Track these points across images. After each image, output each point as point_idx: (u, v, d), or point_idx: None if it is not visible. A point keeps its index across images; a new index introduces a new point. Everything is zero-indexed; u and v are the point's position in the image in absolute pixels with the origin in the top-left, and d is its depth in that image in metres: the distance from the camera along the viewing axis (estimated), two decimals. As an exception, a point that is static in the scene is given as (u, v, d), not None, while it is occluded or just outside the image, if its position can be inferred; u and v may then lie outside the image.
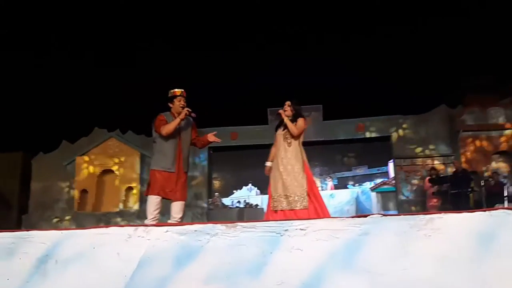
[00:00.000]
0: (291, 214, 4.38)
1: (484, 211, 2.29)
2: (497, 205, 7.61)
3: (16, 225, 12.36)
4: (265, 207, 5.54)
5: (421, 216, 2.36)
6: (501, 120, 11.28)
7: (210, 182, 13.55)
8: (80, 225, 11.60)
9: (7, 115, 13.97)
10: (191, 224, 2.72)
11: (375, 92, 14.05)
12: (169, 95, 4.60)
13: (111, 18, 14.48)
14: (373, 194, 14.49)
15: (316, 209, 4.47)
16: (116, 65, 14.90)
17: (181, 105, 4.51)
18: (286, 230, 2.48)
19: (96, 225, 6.72)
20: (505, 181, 9.47)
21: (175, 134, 4.47)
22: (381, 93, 14.05)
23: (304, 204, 4.44)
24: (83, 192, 12.50)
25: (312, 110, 12.45)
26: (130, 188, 12.49)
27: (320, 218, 2.99)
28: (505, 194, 8.56)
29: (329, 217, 3.95)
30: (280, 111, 4.74)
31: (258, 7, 14.53)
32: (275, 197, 4.56)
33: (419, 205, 11.44)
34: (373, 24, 14.74)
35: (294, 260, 2.36)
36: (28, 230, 3.04)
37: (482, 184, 9.42)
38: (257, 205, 13.05)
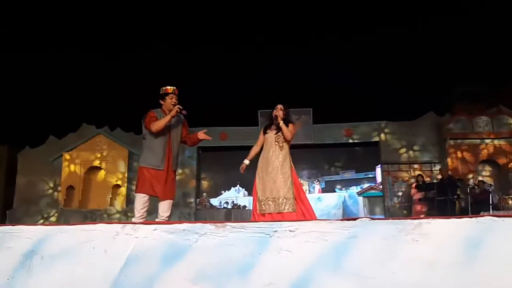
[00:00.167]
0: (278, 217, 4.36)
1: (471, 217, 2.31)
2: (482, 212, 7.70)
3: (0, 220, 12.17)
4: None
5: (409, 221, 2.38)
6: (487, 129, 11.45)
7: (199, 182, 13.51)
8: (66, 222, 11.48)
9: (-7, 108, 13.76)
10: (180, 223, 2.70)
11: (365, 98, 14.15)
12: (161, 92, 4.56)
13: (100, 14, 14.38)
14: (360, 198, 14.60)
15: (303, 213, 4.46)
16: (107, 61, 14.78)
17: (172, 103, 4.48)
18: (275, 231, 2.48)
19: (84, 222, 6.67)
20: (490, 189, 9.60)
21: (165, 131, 4.43)
22: (371, 98, 14.16)
23: (293, 207, 4.44)
24: (70, 188, 12.37)
25: (302, 113, 12.51)
26: (118, 186, 12.39)
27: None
28: (491, 202, 8.66)
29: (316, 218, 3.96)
30: (277, 113, 4.69)
31: (249, 9, 14.55)
32: (263, 200, 4.51)
33: (406, 210, 11.56)
34: (365, 30, 14.85)
35: (283, 261, 2.36)
36: (13, 225, 3.00)
37: (468, 191, 9.55)
38: (245, 206, 13.05)
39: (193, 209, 12.37)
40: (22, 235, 2.86)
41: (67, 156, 12.51)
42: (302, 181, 15.70)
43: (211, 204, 13.64)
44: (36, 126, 13.83)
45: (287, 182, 4.53)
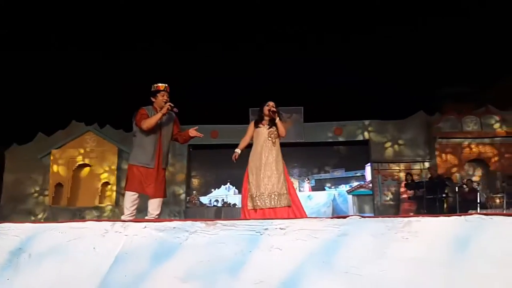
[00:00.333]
0: (271, 213, 4.36)
1: (460, 215, 2.33)
2: (470, 211, 7.79)
3: (-13, 218, 12.03)
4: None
5: (399, 219, 2.39)
6: (476, 128, 11.57)
7: (189, 180, 13.46)
8: (54, 219, 11.37)
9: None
10: (170, 221, 2.69)
11: (355, 97, 14.23)
12: (152, 89, 4.53)
13: (90, 11, 14.25)
14: (350, 196, 14.69)
15: (293, 211, 4.48)
16: (96, 58, 14.66)
17: (164, 100, 4.45)
18: (266, 229, 2.48)
19: (72, 220, 6.60)
20: (478, 188, 9.71)
21: (156, 129, 4.40)
22: (362, 98, 14.25)
23: (288, 201, 4.45)
24: (58, 186, 12.25)
25: (293, 112, 12.54)
26: (107, 184, 12.30)
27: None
28: (478, 200, 8.76)
29: (306, 216, 3.97)
30: (274, 110, 4.66)
31: (240, 8, 14.53)
32: (257, 195, 4.48)
33: (395, 208, 11.64)
34: (358, 31, 14.91)
35: (273, 259, 2.36)
36: (1, 223, 2.96)
37: (457, 190, 9.64)
38: (235, 204, 13.05)
39: (183, 207, 12.33)
40: (10, 233, 2.82)
41: (55, 153, 12.38)
42: (292, 179, 15.73)
43: (201, 202, 13.63)
44: (24, 123, 13.68)
45: (280, 178, 4.54)
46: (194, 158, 13.66)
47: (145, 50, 15.04)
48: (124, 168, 12.00)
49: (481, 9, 12.91)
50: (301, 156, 15.59)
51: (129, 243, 2.61)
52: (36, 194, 12.54)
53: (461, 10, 13.21)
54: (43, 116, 13.79)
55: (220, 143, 12.87)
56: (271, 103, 4.72)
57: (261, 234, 2.47)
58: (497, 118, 11.59)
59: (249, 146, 4.87)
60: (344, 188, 15.56)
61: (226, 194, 15.12)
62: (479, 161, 11.59)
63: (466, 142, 11.55)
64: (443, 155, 11.50)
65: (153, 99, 4.51)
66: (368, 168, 13.74)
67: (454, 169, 11.33)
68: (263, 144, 4.63)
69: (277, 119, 4.64)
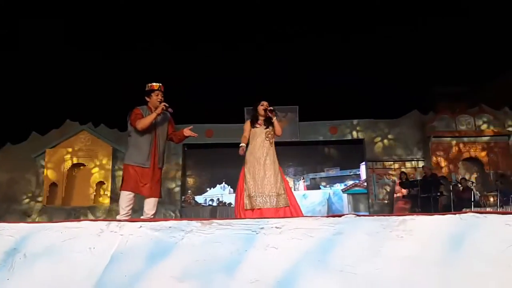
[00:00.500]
0: (268, 213, 4.35)
1: (455, 214, 2.35)
2: (464, 209, 7.84)
3: (-20, 218, 11.94)
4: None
5: (394, 218, 2.41)
6: (470, 127, 11.64)
7: (184, 179, 13.45)
8: (49, 219, 11.31)
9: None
10: (166, 220, 2.68)
11: (350, 96, 14.27)
12: (147, 88, 4.51)
13: (87, 11, 14.19)
14: (345, 195, 14.74)
15: (290, 211, 4.48)
16: (91, 57, 14.59)
17: (158, 100, 4.43)
18: (262, 228, 2.48)
19: (67, 219, 6.57)
20: (472, 186, 9.77)
21: (151, 128, 4.39)
22: (356, 97, 14.29)
23: (287, 202, 4.46)
24: (53, 185, 12.19)
25: (288, 111, 12.55)
26: (101, 183, 12.25)
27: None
28: (473, 199, 8.81)
29: (303, 215, 3.98)
30: (270, 108, 4.67)
31: (235, 9, 14.52)
32: (256, 195, 4.46)
33: (390, 207, 11.68)
34: (353, 31, 14.95)
35: (269, 258, 2.36)
36: (-5, 222, 2.94)
37: (451, 189, 9.70)
38: (230, 203, 13.05)
39: (178, 206, 12.31)
40: (4, 233, 2.80)
41: (50, 152, 12.31)
42: (287, 179, 15.76)
43: (196, 201, 13.62)
44: (18, 122, 13.60)
45: (278, 178, 4.55)
46: (189, 157, 13.66)
47: (140, 49, 15.01)
48: (119, 167, 11.97)
49: (476, 9, 12.99)
50: (296, 155, 15.64)
51: (124, 243, 2.60)
52: (30, 194, 12.47)
53: (456, 10, 13.29)
54: (37, 115, 13.73)
55: (215, 142, 12.87)
56: (265, 103, 4.73)
57: (257, 233, 2.48)
58: (491, 117, 11.66)
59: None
60: (339, 187, 15.62)
61: (221, 193, 15.14)
62: (473, 159, 11.67)
63: (460, 141, 11.62)
64: (437, 154, 11.56)
65: (147, 99, 4.50)
66: (362, 167, 13.79)
67: (448, 168, 11.40)
68: (261, 144, 4.62)
69: (274, 118, 4.65)
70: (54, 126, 13.03)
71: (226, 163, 14.94)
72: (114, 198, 11.79)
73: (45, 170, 12.23)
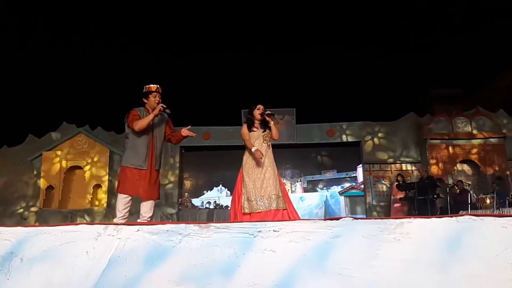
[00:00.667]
0: (266, 216, 4.35)
1: (451, 217, 2.36)
2: (461, 212, 7.86)
3: (-24, 221, 11.88)
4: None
5: (391, 220, 2.42)
6: (466, 129, 11.68)
7: (181, 182, 13.43)
8: (45, 222, 11.27)
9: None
10: (163, 224, 2.68)
11: (347, 98, 14.31)
12: (144, 90, 4.51)
13: (83, 12, 14.17)
14: (342, 198, 14.75)
15: (287, 214, 4.48)
16: (87, 59, 14.58)
17: (156, 101, 4.44)
18: (259, 231, 2.49)
19: (64, 223, 6.55)
20: (469, 188, 9.80)
21: (148, 130, 4.39)
22: (353, 99, 14.33)
23: (285, 204, 4.47)
24: (49, 188, 12.14)
25: (285, 113, 12.57)
26: (98, 186, 12.21)
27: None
28: (469, 201, 8.83)
29: (299, 218, 3.98)
30: (268, 112, 4.68)
31: (231, 9, 14.54)
32: (255, 199, 4.46)
33: (387, 209, 11.70)
34: (348, 33, 15.00)
35: (267, 261, 2.36)
36: (-9, 226, 2.94)
37: (448, 191, 9.72)
38: (227, 206, 13.03)
39: (176, 209, 12.29)
40: (1, 237, 2.80)
41: (46, 155, 12.27)
42: (285, 181, 15.83)
43: (193, 204, 13.60)
44: (15, 125, 13.55)
45: (277, 180, 4.56)
46: (187, 159, 13.63)
47: (137, 51, 15.00)
48: (116, 169, 11.94)
49: (472, 12, 13.08)
50: (293, 158, 15.66)
51: (122, 247, 2.59)
52: (26, 197, 12.42)
53: (448, 14, 13.37)
54: (33, 118, 13.68)
55: (212, 145, 12.86)
56: (261, 107, 4.74)
57: (254, 237, 2.48)
58: (487, 119, 11.71)
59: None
60: (336, 189, 15.64)
61: (219, 196, 15.13)
62: (470, 162, 11.70)
63: (456, 143, 11.66)
64: (434, 156, 11.59)
65: (145, 100, 4.50)
66: (359, 169, 13.82)
67: (445, 170, 11.42)
68: (259, 148, 4.61)
69: (272, 122, 4.66)
70: (51, 128, 12.98)
71: (223, 165, 14.97)
72: (111, 201, 11.76)
73: (41, 173, 12.19)
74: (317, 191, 16.29)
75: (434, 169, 11.34)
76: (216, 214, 11.93)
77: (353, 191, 14.59)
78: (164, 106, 4.38)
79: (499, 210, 7.86)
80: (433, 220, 2.36)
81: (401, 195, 10.63)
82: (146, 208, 4.39)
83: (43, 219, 11.59)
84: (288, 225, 2.52)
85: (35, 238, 2.75)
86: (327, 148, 14.33)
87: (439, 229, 2.30)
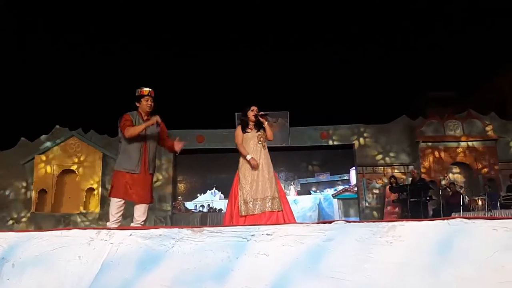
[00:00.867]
0: (261, 219, 4.34)
1: (443, 219, 2.38)
2: (453, 213, 7.91)
3: (-33, 226, 11.76)
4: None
5: (384, 223, 2.43)
6: (458, 132, 11.78)
7: (175, 185, 13.38)
8: (38, 227, 11.19)
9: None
10: (156, 228, 2.68)
11: (341, 101, 14.38)
12: (136, 94, 4.49)
13: (78, 15, 14.13)
14: (335, 200, 14.78)
15: (283, 216, 4.47)
16: (80, 62, 14.52)
17: (148, 105, 4.43)
18: (252, 235, 2.49)
19: (56, 227, 6.50)
20: (461, 190, 9.86)
21: (141, 134, 4.38)
22: (346, 102, 14.40)
23: (280, 206, 4.46)
24: (42, 192, 12.05)
25: (279, 116, 12.58)
26: (91, 189, 12.14)
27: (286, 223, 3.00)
28: (461, 203, 8.89)
29: (295, 222, 3.99)
30: (262, 113, 4.69)
31: (226, 12, 14.57)
32: (252, 200, 4.45)
33: (380, 212, 11.75)
34: (342, 38, 15.08)
35: (260, 265, 2.37)
36: (-17, 231, 2.91)
37: (440, 193, 9.78)
38: (220, 209, 13.02)
39: (169, 213, 12.24)
40: (-8, 242, 2.77)
41: (39, 159, 12.19)
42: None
43: (186, 207, 13.54)
44: (7, 128, 13.47)
45: (273, 182, 4.55)
46: (180, 163, 13.58)
47: (131, 54, 14.97)
48: (109, 173, 11.88)
49: (464, 17, 13.21)
50: (287, 160, 15.67)
51: (114, 251, 2.58)
52: (19, 201, 12.31)
53: (444, 15, 13.49)
54: (26, 121, 13.61)
55: (206, 148, 12.83)
56: (255, 108, 4.74)
57: (247, 241, 2.48)
58: (479, 122, 11.81)
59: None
60: (329, 192, 15.66)
61: (212, 199, 15.10)
62: (462, 164, 11.79)
63: (448, 146, 11.74)
64: (427, 158, 11.66)
65: (137, 104, 4.48)
66: (352, 172, 13.86)
67: (438, 172, 11.50)
68: (254, 148, 4.62)
69: (266, 123, 4.66)
70: (43, 132, 12.90)
71: (217, 168, 14.96)
72: (104, 205, 11.69)
73: (34, 176, 12.10)
74: (310, 193, 16.30)
75: (426, 172, 11.41)
76: (209, 218, 11.89)
77: (347, 193, 14.64)
78: (159, 121, 4.35)
79: (491, 211, 7.91)
80: (425, 223, 2.38)
81: (394, 197, 10.68)
82: (140, 212, 4.38)
83: (35, 223, 11.50)
84: (281, 228, 2.52)
85: (26, 243, 2.73)
86: (321, 150, 14.34)
87: (431, 232, 2.32)
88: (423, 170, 11.43)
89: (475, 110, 12.27)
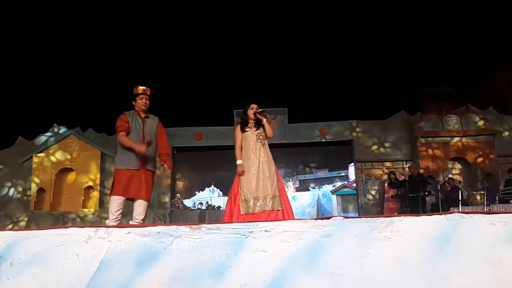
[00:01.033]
0: (264, 215, 4.33)
1: (441, 214, 2.38)
2: (452, 208, 7.92)
3: (-34, 225, 11.74)
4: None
5: (382, 219, 2.43)
6: (456, 127, 11.78)
7: (174, 182, 13.37)
8: (37, 225, 11.17)
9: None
10: (155, 226, 2.67)
11: (339, 98, 14.37)
12: (133, 92, 4.49)
13: (76, 14, 14.08)
14: (334, 196, 14.80)
15: (283, 214, 4.47)
16: (78, 60, 14.48)
17: (143, 103, 4.42)
18: (251, 231, 2.49)
19: (54, 226, 6.49)
20: (459, 185, 9.88)
21: (139, 132, 4.38)
22: (344, 98, 14.39)
23: (281, 205, 4.45)
24: (40, 191, 12.03)
25: (277, 113, 12.57)
26: (90, 188, 12.13)
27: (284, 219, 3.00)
28: (460, 198, 8.90)
29: (294, 218, 3.99)
30: (260, 110, 4.66)
31: (225, 10, 14.53)
32: (251, 199, 4.44)
33: (379, 207, 11.76)
34: (341, 34, 15.06)
35: (258, 261, 2.37)
36: (-20, 231, 2.90)
37: (439, 188, 9.79)
38: (219, 207, 13.00)
39: (168, 210, 12.24)
40: (-10, 241, 2.77)
41: (37, 157, 12.16)
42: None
43: (184, 205, 13.53)
44: (5, 127, 13.44)
45: (274, 180, 4.53)
46: (179, 160, 13.57)
47: (129, 52, 14.93)
48: (107, 171, 11.88)
49: (463, 13, 13.21)
50: (285, 157, 15.64)
51: (113, 249, 2.58)
52: (17, 200, 12.29)
53: (444, 15, 13.49)
54: (24, 120, 13.57)
55: (204, 145, 12.83)
56: (254, 106, 4.73)
57: (246, 237, 2.48)
58: (477, 117, 11.82)
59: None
60: (328, 188, 15.66)
61: (211, 196, 15.09)
62: (460, 159, 11.80)
63: (447, 141, 11.75)
64: (425, 153, 11.67)
65: (133, 103, 4.48)
66: (351, 167, 13.86)
67: (436, 167, 11.51)
68: (253, 147, 4.61)
69: (264, 120, 4.65)
70: (42, 130, 12.87)
71: (215, 166, 14.94)
72: (103, 203, 11.69)
73: (32, 175, 12.08)
74: (309, 190, 16.31)
75: (425, 167, 11.42)
76: (208, 215, 11.89)
77: (345, 189, 14.65)
78: (149, 144, 4.32)
79: (489, 206, 7.93)
80: (423, 218, 2.38)
81: (393, 192, 10.69)
82: (139, 210, 4.38)
83: (34, 222, 11.49)
84: (280, 225, 2.52)
85: (25, 242, 2.72)
86: (319, 147, 14.33)
87: (429, 227, 2.33)
88: (421, 165, 11.44)
89: (474, 105, 12.28)
